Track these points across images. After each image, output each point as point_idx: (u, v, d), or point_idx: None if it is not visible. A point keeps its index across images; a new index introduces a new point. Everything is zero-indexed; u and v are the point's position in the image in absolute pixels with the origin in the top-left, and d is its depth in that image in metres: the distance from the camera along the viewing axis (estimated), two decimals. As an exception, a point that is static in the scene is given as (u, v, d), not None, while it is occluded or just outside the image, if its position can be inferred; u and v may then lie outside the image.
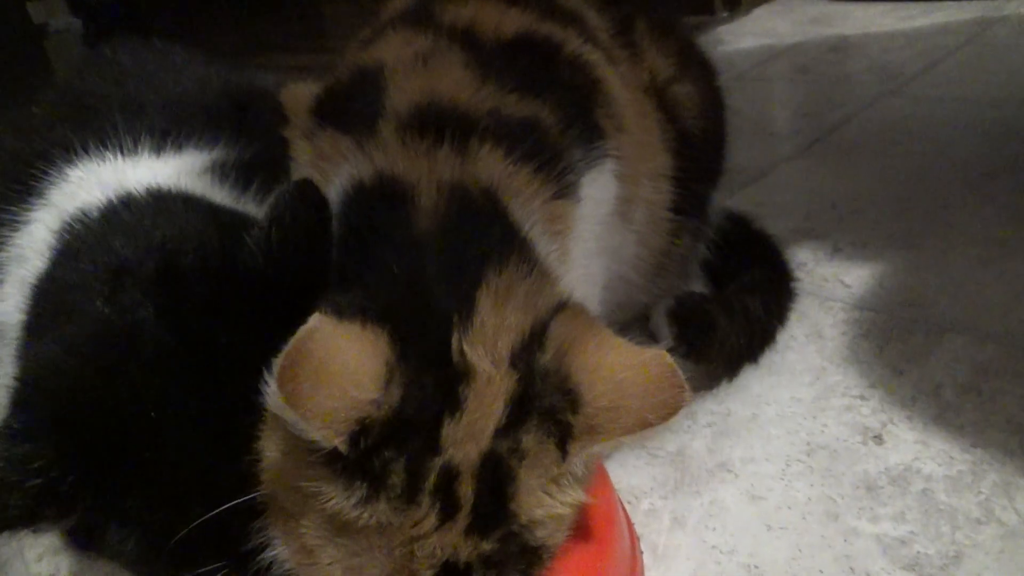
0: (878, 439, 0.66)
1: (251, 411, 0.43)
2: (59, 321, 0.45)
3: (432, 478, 0.40)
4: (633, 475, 0.68)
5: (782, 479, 0.65)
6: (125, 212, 0.49)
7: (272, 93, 0.70)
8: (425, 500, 0.40)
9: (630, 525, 0.60)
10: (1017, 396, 0.67)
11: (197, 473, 0.42)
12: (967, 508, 0.58)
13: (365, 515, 0.39)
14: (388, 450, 0.40)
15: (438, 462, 0.40)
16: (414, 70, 0.58)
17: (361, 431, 0.39)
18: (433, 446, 0.40)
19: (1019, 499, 0.58)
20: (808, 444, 0.67)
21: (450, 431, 0.41)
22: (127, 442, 0.42)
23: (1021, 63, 1.36)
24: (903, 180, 1.06)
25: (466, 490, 0.40)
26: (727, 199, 0.99)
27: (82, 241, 0.48)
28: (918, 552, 0.56)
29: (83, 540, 0.45)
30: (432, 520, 0.40)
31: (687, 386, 0.42)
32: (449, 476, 0.40)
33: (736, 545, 0.60)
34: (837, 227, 0.98)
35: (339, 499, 0.39)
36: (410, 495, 0.40)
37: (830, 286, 0.88)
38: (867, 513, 0.60)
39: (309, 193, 0.47)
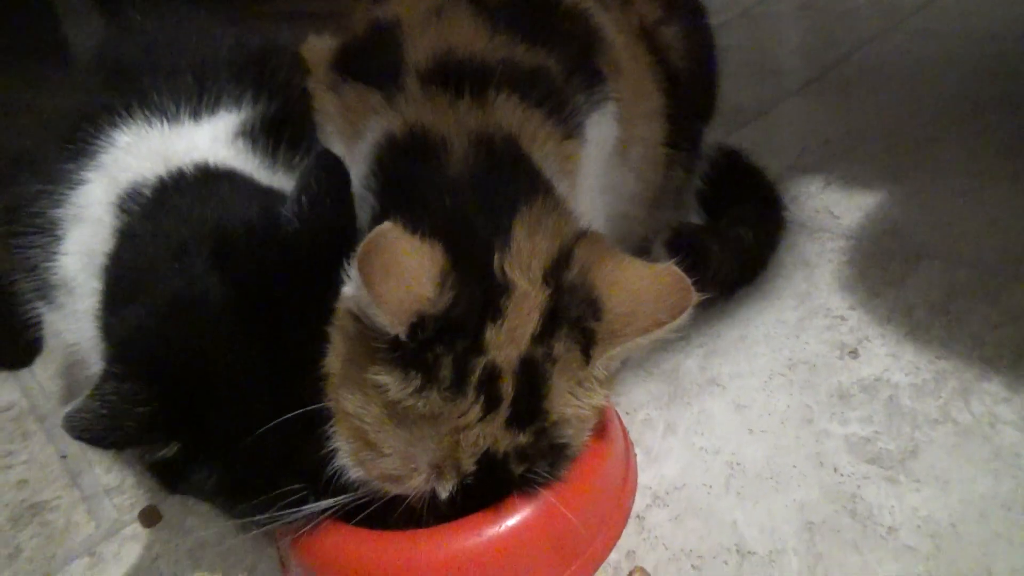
0: (854, 353, 0.73)
1: (304, 346, 0.51)
2: (136, 295, 0.53)
3: (477, 373, 0.47)
4: (632, 390, 0.75)
5: (764, 390, 0.72)
6: (178, 197, 0.57)
7: (288, 47, 0.75)
8: (471, 392, 0.46)
9: (624, 431, 0.68)
10: (982, 315, 0.73)
11: (268, 403, 0.49)
12: (927, 411, 0.66)
13: (419, 404, 0.46)
14: (440, 345, 0.46)
15: (482, 361, 0.47)
16: (429, 24, 0.63)
17: (419, 323, 0.46)
18: (478, 347, 0.47)
19: (974, 402, 0.65)
20: (790, 360, 0.74)
21: (492, 335, 0.47)
22: (209, 382, 0.50)
23: (1022, -6, 1.37)
24: (896, 116, 1.10)
25: (506, 387, 0.47)
26: (726, 138, 1.04)
27: (144, 226, 0.56)
28: (880, 448, 0.63)
29: (170, 480, 0.53)
30: (477, 411, 0.47)
31: (693, 288, 0.49)
32: (492, 374, 0.47)
33: (721, 447, 0.67)
34: (830, 163, 1.03)
35: (397, 388, 0.46)
36: (458, 387, 0.46)
37: (820, 217, 0.93)
38: (838, 417, 0.67)
39: (328, 161, 0.54)
